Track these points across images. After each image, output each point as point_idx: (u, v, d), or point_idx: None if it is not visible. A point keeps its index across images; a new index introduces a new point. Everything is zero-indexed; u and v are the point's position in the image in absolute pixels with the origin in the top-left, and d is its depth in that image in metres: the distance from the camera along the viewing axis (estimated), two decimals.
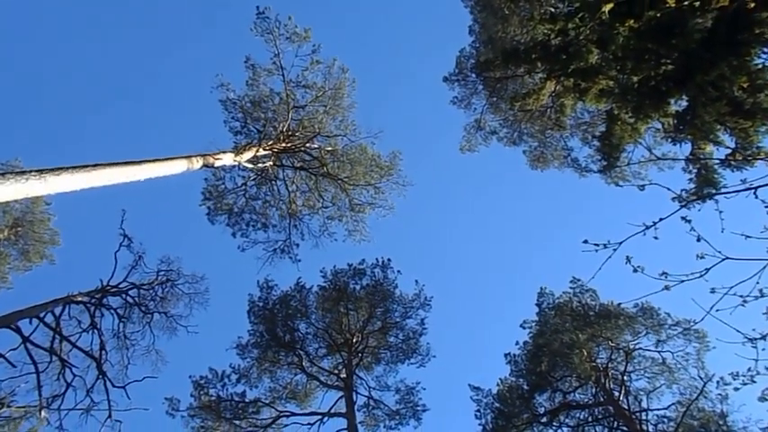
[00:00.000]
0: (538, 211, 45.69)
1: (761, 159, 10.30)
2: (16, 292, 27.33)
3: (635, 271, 6.86)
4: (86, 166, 12.09)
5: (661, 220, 6.94)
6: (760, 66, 10.03)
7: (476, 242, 46.43)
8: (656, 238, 7.02)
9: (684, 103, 12.49)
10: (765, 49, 10.03)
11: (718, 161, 12.12)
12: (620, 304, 23.39)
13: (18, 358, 17.92)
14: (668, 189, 7.26)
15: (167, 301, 21.75)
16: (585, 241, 7.39)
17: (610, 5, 9.12)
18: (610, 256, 7.03)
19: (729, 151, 11.81)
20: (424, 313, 25.41)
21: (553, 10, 18.37)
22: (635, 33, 10.38)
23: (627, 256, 6.89)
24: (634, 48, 11.63)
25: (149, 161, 15.32)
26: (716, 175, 12.66)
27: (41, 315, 18.49)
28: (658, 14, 9.14)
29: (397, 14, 43.31)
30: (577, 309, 24.34)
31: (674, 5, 8.45)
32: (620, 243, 7.04)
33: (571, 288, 25.05)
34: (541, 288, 25.93)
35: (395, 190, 23.91)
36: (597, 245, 7.11)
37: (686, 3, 8.56)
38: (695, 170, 13.23)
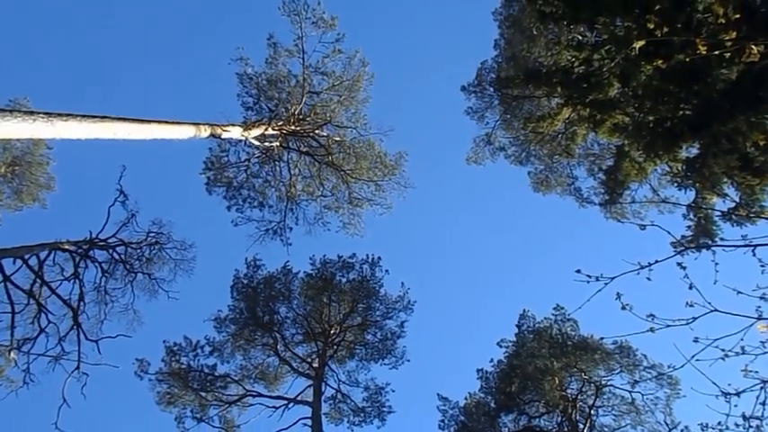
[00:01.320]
0: (534, 232, 45.76)
1: (763, 218, 10.33)
2: (2, 231, 27.23)
3: (623, 308, 6.85)
4: (95, 117, 12.05)
5: (657, 262, 6.94)
6: None
7: (468, 253, 46.44)
8: (648, 279, 7.02)
9: (695, 151, 12.52)
10: None
11: (719, 213, 12.15)
12: (601, 339, 23.45)
13: None
14: (668, 233, 7.25)
15: (153, 263, 21.65)
16: (578, 271, 7.38)
17: (641, 43, 9.12)
18: (600, 290, 7.02)
19: (733, 205, 11.84)
20: (406, 316, 25.48)
21: (580, 38, 18.38)
22: (659, 73, 10.39)
23: (617, 293, 6.88)
24: (655, 87, 11.64)
25: (157, 122, 15.28)
26: (715, 227, 12.70)
27: (26, 257, 18.39)
28: (687, 59, 9.15)
29: (426, 18, 43.21)
30: (556, 336, 24.39)
31: (704, 53, 8.46)
32: (613, 278, 7.02)
33: (553, 315, 25.11)
34: (524, 310, 25.98)
35: (396, 190, 23.90)
36: (589, 277, 7.09)
37: (717, 52, 8.58)
38: (696, 218, 13.26)
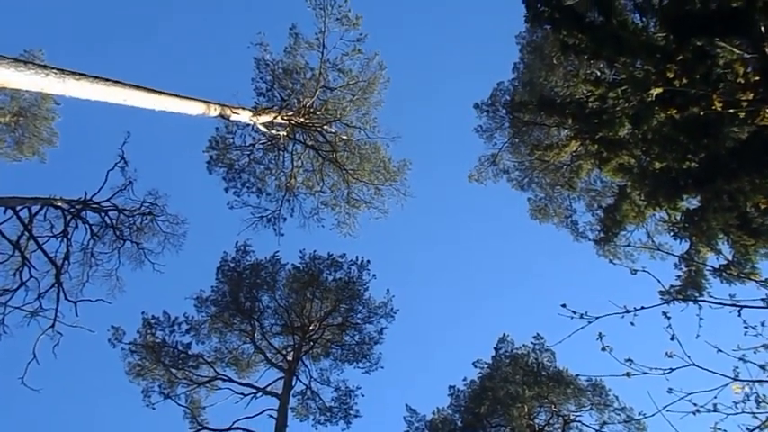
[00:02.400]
0: (526, 258, 45.68)
1: (753, 280, 10.38)
2: None
3: (603, 349, 6.86)
4: (107, 80, 12.05)
5: (642, 308, 6.95)
6: None
7: (457, 269, 46.48)
8: (632, 324, 7.03)
9: (696, 203, 12.57)
10: None
11: (711, 268, 12.19)
12: (576, 376, 23.48)
13: None
14: (658, 281, 7.27)
15: (143, 233, 21.55)
16: (564, 305, 7.38)
17: (659, 90, 9.16)
18: (583, 327, 7.03)
19: (725, 262, 11.89)
20: (386, 323, 25.45)
21: (599, 73, 18.49)
22: (672, 122, 10.44)
23: (599, 333, 6.89)
24: (666, 135, 11.70)
25: (169, 94, 15.27)
26: (704, 281, 12.74)
27: (17, 208, 18.31)
28: (702, 113, 9.20)
29: (450, 31, 43.31)
30: (532, 365, 24.42)
31: (719, 109, 8.51)
32: (597, 318, 7.04)
33: (532, 343, 25.17)
34: (504, 334, 26.04)
35: (394, 197, 23.91)
36: (574, 313, 7.10)
37: (732, 110, 8.63)
38: (687, 269, 13.31)
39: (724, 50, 10.97)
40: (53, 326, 19.21)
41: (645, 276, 7.80)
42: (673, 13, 11.10)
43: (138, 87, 14.16)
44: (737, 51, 11.03)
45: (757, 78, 8.62)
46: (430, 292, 46.62)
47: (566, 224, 23.78)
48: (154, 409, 22.76)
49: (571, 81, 18.78)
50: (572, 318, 7.22)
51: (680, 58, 9.32)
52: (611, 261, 18.05)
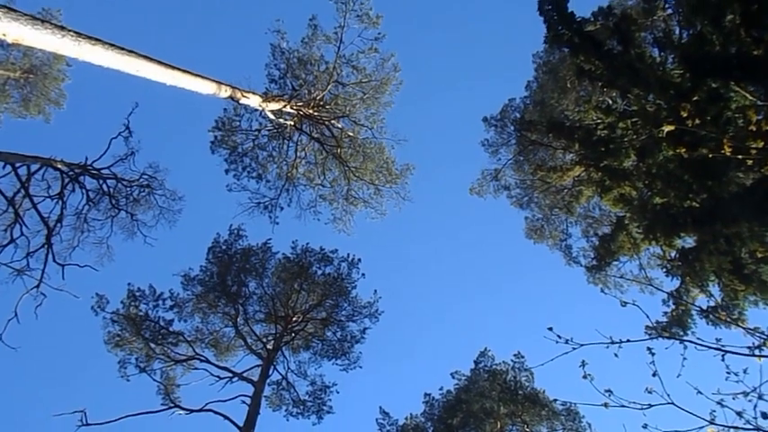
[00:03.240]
0: (516, 277, 45.81)
1: (740, 327, 10.41)
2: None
3: (584, 377, 6.86)
4: (122, 49, 12.00)
5: (628, 341, 6.95)
6: None
7: (449, 277, 46.55)
8: (616, 355, 7.03)
9: (692, 243, 12.60)
10: None
11: (698, 309, 12.22)
12: (554, 400, 23.46)
13: None
14: (647, 316, 7.26)
15: (139, 204, 21.48)
16: (550, 329, 7.38)
17: (671, 128, 9.18)
18: (566, 353, 7.02)
19: (713, 305, 11.93)
20: (370, 323, 25.46)
21: (611, 102, 18.55)
22: (678, 159, 10.47)
23: (582, 361, 6.89)
24: (670, 171, 11.73)
25: (182, 70, 15.23)
26: (691, 320, 12.77)
27: (16, 164, 18.23)
28: (710, 155, 9.23)
29: (467, 42, 43.36)
30: (510, 382, 24.45)
31: (728, 154, 8.54)
32: (581, 345, 7.03)
33: (512, 361, 25.21)
34: (485, 348, 26.06)
35: (394, 199, 23.89)
36: (559, 337, 7.10)
37: (740, 156, 8.66)
38: (674, 307, 13.34)
39: (738, 95, 11.00)
40: (38, 286, 19.13)
41: (632, 307, 7.80)
42: (691, 52, 11.14)
43: (152, 60, 14.13)
44: (751, 98, 11.06)
45: None
46: (417, 297, 46.64)
47: (560, 247, 23.83)
48: (128, 381, 22.75)
49: (582, 106, 18.81)
50: (557, 342, 7.23)
51: (695, 98, 9.34)
52: (601, 290, 18.04)
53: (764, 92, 11.19)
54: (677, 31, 16.93)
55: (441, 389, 25.49)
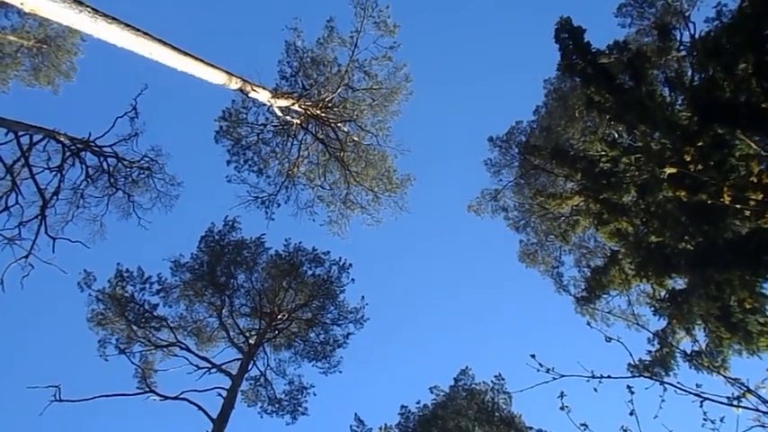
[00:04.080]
0: (505, 298, 45.79)
1: (720, 374, 10.42)
2: (5, 101, 26.94)
3: (561, 408, 6.86)
4: (138, 30, 12.03)
5: (609, 377, 6.96)
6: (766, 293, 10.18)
7: (438, 291, 46.51)
8: (595, 390, 7.03)
9: (683, 285, 12.63)
10: None
11: (682, 352, 12.23)
12: (530, 428, 23.42)
13: None
14: (630, 354, 7.28)
15: (137, 186, 21.49)
16: (533, 356, 7.39)
17: (673, 170, 9.23)
18: (547, 382, 7.02)
19: (697, 350, 11.95)
20: (354, 329, 25.44)
21: (617, 136, 18.62)
22: (677, 200, 10.51)
23: (561, 392, 6.89)
24: (668, 212, 11.77)
25: (195, 57, 15.26)
26: (673, 362, 12.78)
27: (19, 133, 18.22)
28: (709, 200, 9.27)
29: (480, 62, 43.51)
30: (488, 403, 24.42)
31: (727, 202, 8.58)
32: (562, 376, 7.03)
33: (492, 382, 25.18)
34: (466, 367, 26.03)
35: (391, 208, 23.89)
36: (541, 366, 7.10)
37: (739, 206, 8.70)
38: (659, 347, 13.34)
39: (743, 143, 11.06)
40: (27, 256, 19.11)
41: (617, 343, 7.81)
42: (702, 96, 11.20)
43: (165, 44, 14.14)
44: (756, 147, 11.12)
45: None
46: (404, 308, 46.60)
47: (551, 274, 23.86)
48: (106, 360, 22.64)
49: (588, 137, 18.91)
50: (538, 371, 7.23)
51: (700, 143, 9.39)
52: (588, 323, 17.94)
53: None
54: (689, 73, 17.04)
55: (418, 402, 25.47)
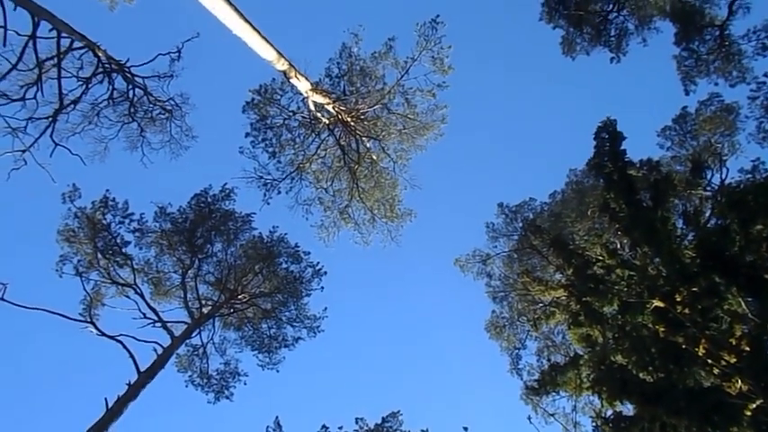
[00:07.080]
0: (457, 358, 45.54)
1: None
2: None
3: None
4: None
5: None
6: None
7: (395, 328, 46.28)
8: None
9: (630, 412, 12.62)
10: None
11: None
12: None
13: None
14: None
15: (154, 124, 21.51)
16: (465, 429, 7.38)
17: (661, 304, 9.28)
18: None
19: None
20: (305, 335, 25.40)
21: (618, 246, 18.72)
22: (653, 333, 10.56)
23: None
24: (641, 338, 11.81)
25: (254, 28, 15.46)
26: None
27: (62, 34, 18.27)
28: (684, 346, 9.31)
29: (525, 127, 43.91)
30: None
31: (700, 353, 8.62)
32: None
33: None
34: (398, 411, 25.67)
35: (383, 235, 23.90)
36: None
37: (710, 361, 8.73)
38: None
39: (734, 300, 11.14)
40: (24, 152, 19.08)
41: None
42: (711, 242, 11.32)
43: (231, 5, 14.32)
44: (745, 308, 11.21)
45: (746, 349, 8.73)
46: (360, 333, 46.23)
47: (511, 353, 23.83)
48: (60, 277, 22.45)
49: (592, 238, 18.99)
50: None
51: (694, 288, 9.45)
52: (528, 416, 17.80)
53: (759, 308, 11.34)
54: (707, 214, 17.23)
55: (340, 428, 25.15)
